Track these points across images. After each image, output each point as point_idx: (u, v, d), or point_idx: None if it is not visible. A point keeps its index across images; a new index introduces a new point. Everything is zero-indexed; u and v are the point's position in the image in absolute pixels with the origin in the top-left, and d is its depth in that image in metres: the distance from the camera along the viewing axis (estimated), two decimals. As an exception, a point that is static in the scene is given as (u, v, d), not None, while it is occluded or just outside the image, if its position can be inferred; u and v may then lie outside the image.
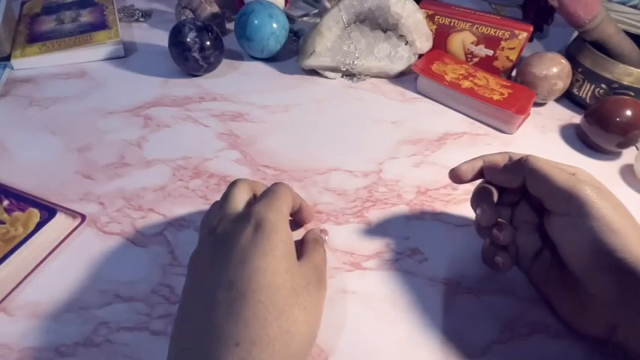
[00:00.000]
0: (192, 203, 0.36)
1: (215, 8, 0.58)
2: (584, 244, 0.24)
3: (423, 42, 0.51)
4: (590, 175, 0.26)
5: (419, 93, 0.51)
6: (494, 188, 0.29)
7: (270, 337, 0.20)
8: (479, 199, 0.29)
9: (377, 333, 0.28)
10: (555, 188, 0.24)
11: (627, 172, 0.41)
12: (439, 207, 0.37)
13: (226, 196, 0.27)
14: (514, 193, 0.29)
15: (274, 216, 0.24)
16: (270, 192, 0.27)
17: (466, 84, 0.47)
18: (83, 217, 0.33)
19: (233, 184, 0.28)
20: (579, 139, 0.45)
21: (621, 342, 0.24)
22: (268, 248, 0.23)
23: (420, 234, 0.34)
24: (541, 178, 0.25)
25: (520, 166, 0.26)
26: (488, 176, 0.29)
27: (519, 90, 0.47)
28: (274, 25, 0.51)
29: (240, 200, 0.27)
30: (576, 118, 0.48)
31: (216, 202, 0.29)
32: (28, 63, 0.51)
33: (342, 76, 0.53)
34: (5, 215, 0.31)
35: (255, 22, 0.50)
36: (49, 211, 0.32)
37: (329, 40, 0.50)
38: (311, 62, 0.50)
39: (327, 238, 0.33)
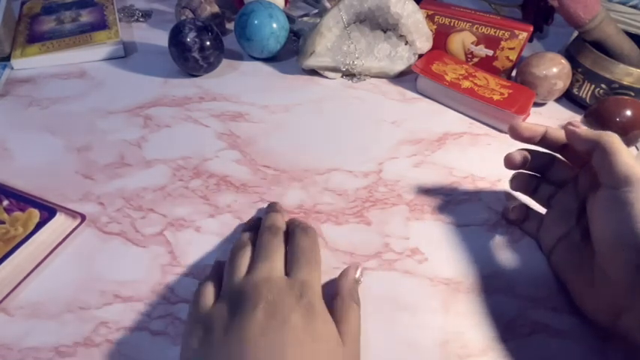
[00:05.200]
0: (192, 203, 0.36)
1: (215, 8, 0.58)
2: (621, 216, 0.25)
3: (423, 42, 0.51)
4: None
5: (419, 93, 0.51)
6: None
7: None
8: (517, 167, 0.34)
9: (377, 333, 0.28)
10: (619, 164, 0.26)
11: (627, 172, 0.41)
12: (439, 207, 0.37)
13: (266, 257, 0.27)
14: (563, 170, 0.33)
15: (319, 304, 0.25)
16: (312, 262, 0.27)
17: (466, 84, 0.47)
18: (83, 217, 0.33)
19: (271, 239, 0.28)
20: (579, 139, 0.45)
21: (625, 329, 0.25)
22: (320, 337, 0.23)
23: (420, 234, 0.34)
24: (612, 151, 0.27)
25: (598, 136, 0.28)
26: (569, 136, 0.30)
27: (519, 90, 0.47)
28: (274, 25, 0.51)
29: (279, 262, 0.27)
30: (576, 118, 0.48)
31: (222, 263, 0.29)
32: (28, 63, 0.51)
33: (342, 76, 0.53)
34: (5, 215, 0.31)
35: (255, 22, 0.50)
36: (49, 211, 0.32)
37: (329, 40, 0.50)
38: (311, 62, 0.50)
39: (362, 280, 0.30)
